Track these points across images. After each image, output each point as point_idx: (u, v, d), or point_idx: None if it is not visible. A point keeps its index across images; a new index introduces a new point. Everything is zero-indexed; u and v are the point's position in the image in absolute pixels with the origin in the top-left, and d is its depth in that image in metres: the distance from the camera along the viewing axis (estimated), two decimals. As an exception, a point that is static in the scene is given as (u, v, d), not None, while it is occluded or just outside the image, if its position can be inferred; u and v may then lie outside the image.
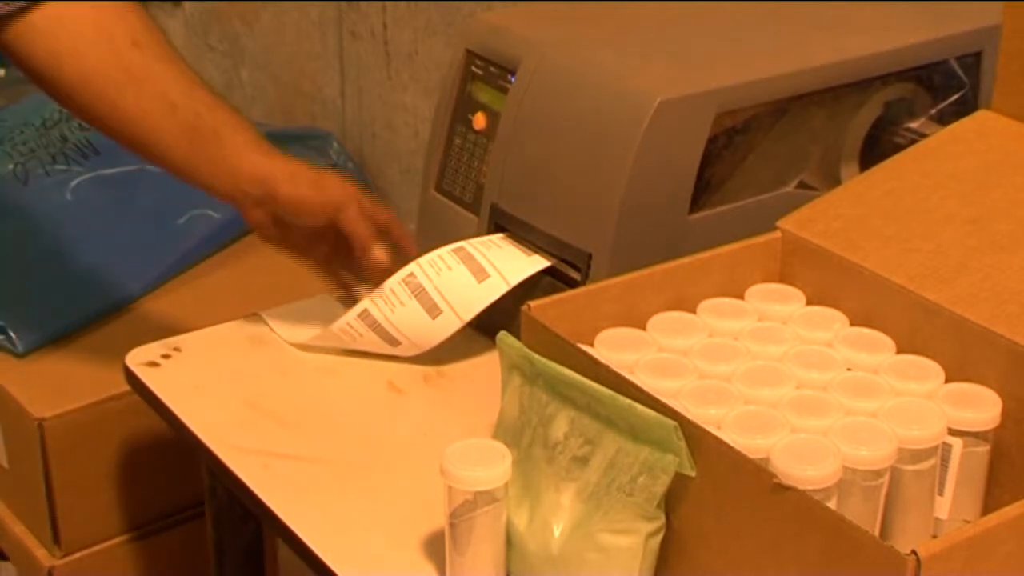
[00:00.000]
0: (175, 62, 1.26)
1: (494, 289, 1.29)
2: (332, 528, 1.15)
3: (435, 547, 1.10)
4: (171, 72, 1.25)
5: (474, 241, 1.33)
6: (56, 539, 1.69)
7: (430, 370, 1.33)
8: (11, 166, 1.87)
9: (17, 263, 1.79)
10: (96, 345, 1.73)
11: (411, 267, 1.32)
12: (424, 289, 1.30)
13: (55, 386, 1.66)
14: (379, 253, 1.30)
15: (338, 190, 1.29)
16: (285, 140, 2.27)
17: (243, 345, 1.39)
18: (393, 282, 1.31)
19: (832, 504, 0.95)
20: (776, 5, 1.44)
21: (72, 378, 1.68)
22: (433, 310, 1.30)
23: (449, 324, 1.30)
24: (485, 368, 1.28)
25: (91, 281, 1.78)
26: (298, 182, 1.27)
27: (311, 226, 1.29)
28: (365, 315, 1.31)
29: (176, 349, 1.39)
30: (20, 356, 1.71)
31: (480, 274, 1.30)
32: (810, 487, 0.93)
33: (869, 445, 0.98)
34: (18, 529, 1.75)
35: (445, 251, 1.32)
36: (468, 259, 1.31)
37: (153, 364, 1.36)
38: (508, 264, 1.30)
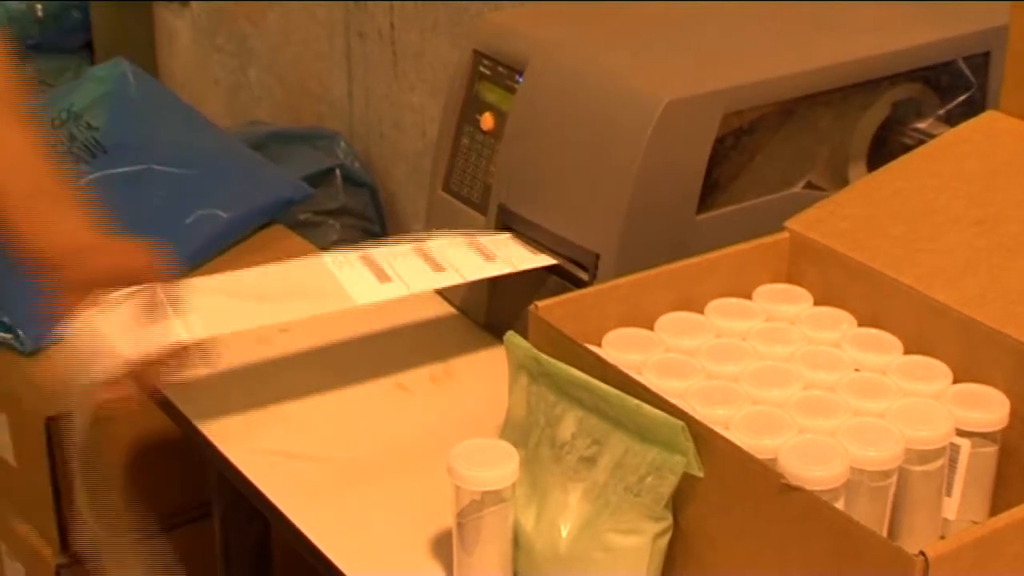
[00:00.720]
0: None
1: (500, 268, 1.29)
2: (339, 528, 1.15)
3: (442, 547, 1.10)
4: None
5: (484, 237, 1.33)
6: (63, 539, 1.69)
7: (437, 369, 1.33)
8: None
9: (25, 262, 1.79)
10: (104, 344, 1.73)
11: (420, 243, 1.31)
12: (431, 255, 1.30)
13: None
14: None
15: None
16: (292, 140, 2.27)
17: (251, 345, 1.39)
18: (400, 243, 1.31)
19: (840, 505, 0.95)
20: (783, 5, 1.44)
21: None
22: (437, 269, 1.29)
23: (449, 279, 1.29)
24: (492, 368, 1.28)
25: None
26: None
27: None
28: (363, 255, 1.30)
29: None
30: (28, 355, 1.71)
31: (489, 257, 1.30)
32: (818, 487, 0.93)
33: (877, 446, 0.98)
34: (25, 528, 1.75)
35: (456, 238, 1.32)
36: (479, 248, 1.31)
37: (161, 363, 1.36)
38: (516, 254, 1.30)
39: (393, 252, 1.30)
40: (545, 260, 1.30)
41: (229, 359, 1.37)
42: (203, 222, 1.86)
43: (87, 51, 2.79)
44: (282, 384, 1.33)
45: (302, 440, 1.25)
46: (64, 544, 1.69)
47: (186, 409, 1.29)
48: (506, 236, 1.33)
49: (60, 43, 2.78)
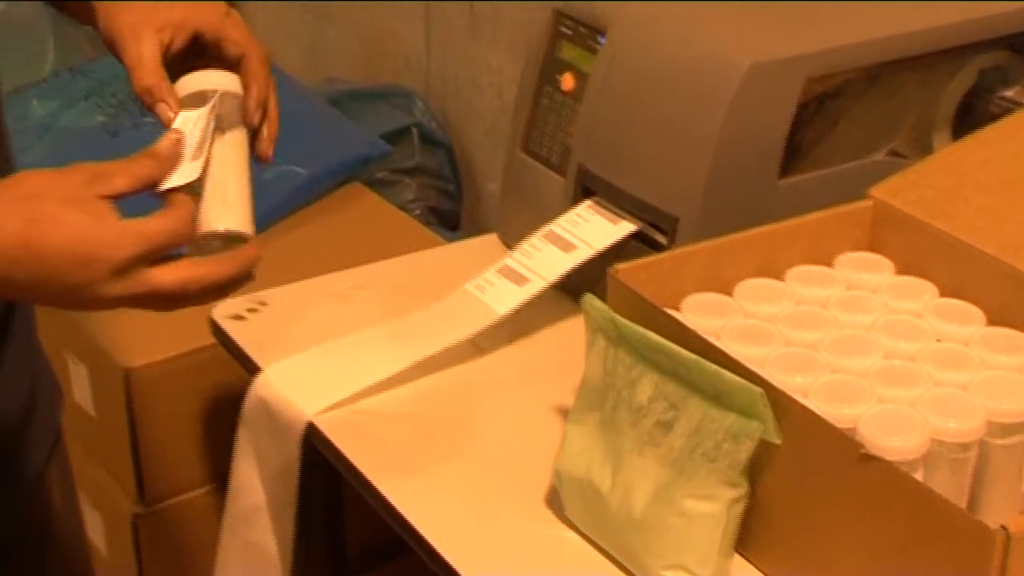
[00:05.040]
0: None
1: (581, 255, 1.29)
2: (412, 483, 1.16)
3: (515, 504, 1.11)
4: None
5: (561, 221, 1.33)
6: (140, 488, 1.71)
7: (514, 331, 1.33)
8: (101, 119, 1.89)
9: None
10: (183, 298, 1.74)
11: (504, 260, 1.33)
12: (514, 271, 1.31)
13: (143, 336, 1.68)
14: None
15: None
16: (369, 97, 2.28)
17: (328, 301, 1.40)
18: (488, 272, 1.33)
19: (919, 476, 0.95)
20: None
21: (159, 329, 1.69)
22: (520, 280, 1.30)
23: (533, 287, 1.30)
24: (569, 330, 1.28)
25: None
26: None
27: None
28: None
29: (262, 303, 1.40)
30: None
31: (568, 248, 1.30)
32: (897, 458, 0.92)
33: (958, 417, 0.97)
34: (104, 478, 1.77)
35: (535, 238, 1.32)
36: (556, 239, 1.31)
37: (239, 318, 1.38)
38: (595, 233, 1.30)
39: (481, 286, 1.33)
40: (625, 229, 1.30)
41: (307, 315, 1.38)
42: (282, 178, 1.87)
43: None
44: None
45: (376, 397, 1.25)
46: (141, 494, 1.71)
47: (262, 363, 1.30)
48: (585, 205, 1.33)
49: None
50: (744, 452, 0.97)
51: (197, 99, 1.00)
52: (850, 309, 1.11)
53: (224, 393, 1.66)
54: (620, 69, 1.30)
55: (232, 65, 1.03)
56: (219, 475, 1.73)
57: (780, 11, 1.32)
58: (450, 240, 1.89)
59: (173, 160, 0.95)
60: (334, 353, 1.29)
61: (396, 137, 2.19)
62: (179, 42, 1.01)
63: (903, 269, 1.16)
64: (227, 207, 0.98)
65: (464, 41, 2.27)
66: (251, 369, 1.32)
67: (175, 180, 0.95)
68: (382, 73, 2.49)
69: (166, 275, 0.92)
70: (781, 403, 0.95)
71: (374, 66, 2.51)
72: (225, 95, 1.00)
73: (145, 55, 0.99)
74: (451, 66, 2.32)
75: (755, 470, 0.99)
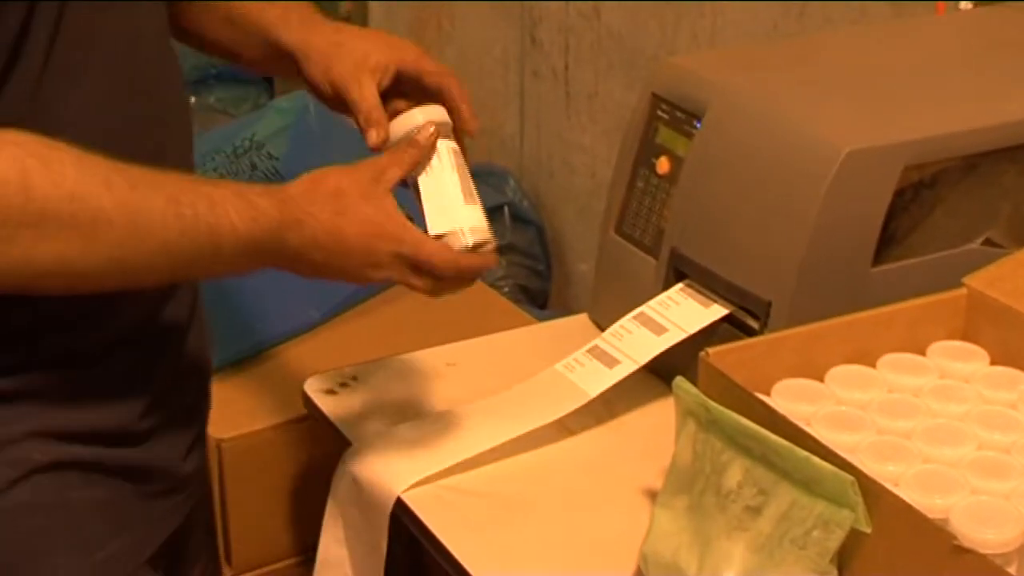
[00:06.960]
0: None
1: (672, 338, 1.30)
2: (498, 562, 1.16)
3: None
4: None
5: (652, 303, 1.33)
6: (228, 558, 1.72)
7: (603, 412, 1.34)
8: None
9: (202, 287, 1.84)
10: (276, 370, 1.76)
11: (595, 341, 1.34)
12: (605, 352, 1.32)
13: (235, 408, 1.70)
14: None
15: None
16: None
17: (419, 377, 1.41)
18: (578, 353, 1.33)
19: (1013, 570, 0.93)
20: (971, 57, 1.42)
21: (251, 401, 1.71)
22: (612, 363, 1.31)
23: (624, 369, 1.31)
24: (659, 412, 1.28)
25: (273, 307, 1.82)
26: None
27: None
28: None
29: (353, 378, 1.41)
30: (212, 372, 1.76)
31: (659, 331, 1.31)
32: (990, 551, 0.91)
33: (1053, 511, 0.96)
34: (191, 546, 1.79)
35: (626, 320, 1.33)
36: (648, 322, 1.32)
37: (331, 392, 1.39)
38: (686, 317, 1.31)
39: (572, 367, 1.33)
40: (717, 313, 1.30)
41: (397, 391, 1.39)
42: (375, 254, 1.89)
43: (266, 81, 2.86)
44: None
45: (463, 474, 1.26)
46: (229, 563, 1.73)
47: (352, 437, 1.31)
48: (677, 288, 1.33)
49: (240, 73, 2.86)
50: (834, 540, 0.96)
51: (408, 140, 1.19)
52: (943, 398, 1.10)
53: (314, 466, 1.67)
54: (715, 154, 1.31)
55: (431, 93, 1.25)
56: (307, 547, 1.74)
57: (878, 95, 1.33)
58: (538, 318, 1.90)
59: (430, 148, 1.19)
60: (423, 430, 1.30)
61: (488, 215, 2.21)
62: (385, 82, 1.24)
63: (998, 359, 1.15)
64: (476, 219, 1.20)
65: (558, 122, 2.29)
66: (341, 443, 1.33)
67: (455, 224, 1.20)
68: (475, 151, 2.51)
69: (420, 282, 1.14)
70: (872, 492, 0.95)
71: (468, 144, 2.54)
72: (440, 125, 1.20)
73: (366, 95, 1.22)
74: (544, 145, 2.34)
75: (844, 558, 0.98)
